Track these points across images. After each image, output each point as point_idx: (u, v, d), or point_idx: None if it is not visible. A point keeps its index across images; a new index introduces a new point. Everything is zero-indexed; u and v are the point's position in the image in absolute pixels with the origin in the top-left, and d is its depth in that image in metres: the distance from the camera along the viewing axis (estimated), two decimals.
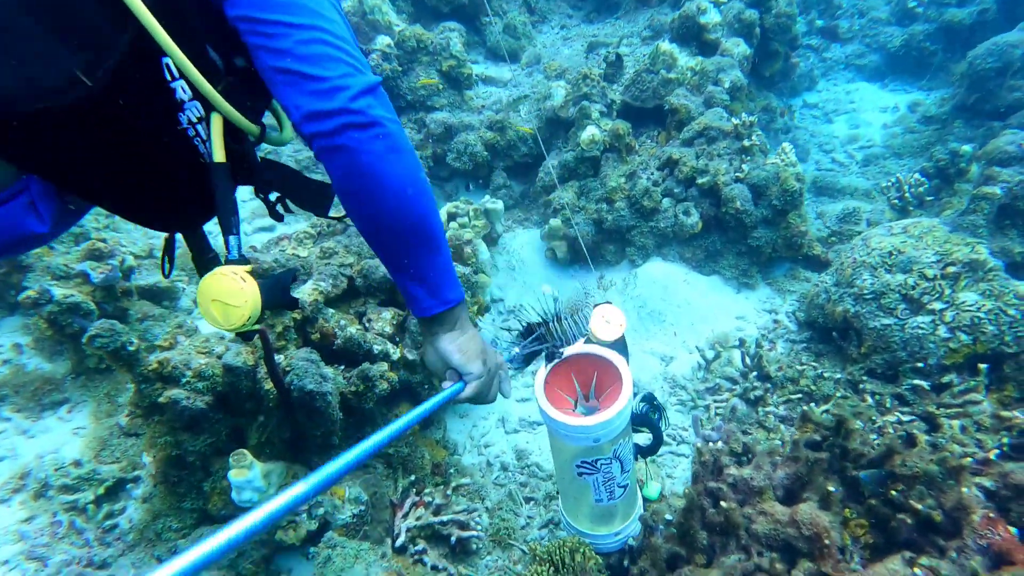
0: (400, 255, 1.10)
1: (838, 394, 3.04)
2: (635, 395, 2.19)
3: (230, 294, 1.02)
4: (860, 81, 6.63)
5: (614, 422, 1.86)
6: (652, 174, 4.36)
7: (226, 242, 1.09)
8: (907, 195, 4.73)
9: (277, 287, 1.13)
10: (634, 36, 5.97)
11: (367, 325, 2.66)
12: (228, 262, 1.07)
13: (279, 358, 2.35)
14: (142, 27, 0.89)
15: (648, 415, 2.06)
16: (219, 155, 1.05)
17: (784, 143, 4.48)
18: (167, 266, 1.42)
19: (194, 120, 1.04)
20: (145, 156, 1.03)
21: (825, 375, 3.20)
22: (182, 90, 1.01)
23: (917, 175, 4.79)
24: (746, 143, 4.29)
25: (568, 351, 1.95)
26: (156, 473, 2.76)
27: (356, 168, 0.98)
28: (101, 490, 3.11)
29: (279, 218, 1.38)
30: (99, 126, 0.93)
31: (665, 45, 4.91)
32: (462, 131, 5.14)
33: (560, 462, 2.12)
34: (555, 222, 4.32)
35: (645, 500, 2.41)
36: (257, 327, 1.10)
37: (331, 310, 2.61)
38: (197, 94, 1.03)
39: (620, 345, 1.97)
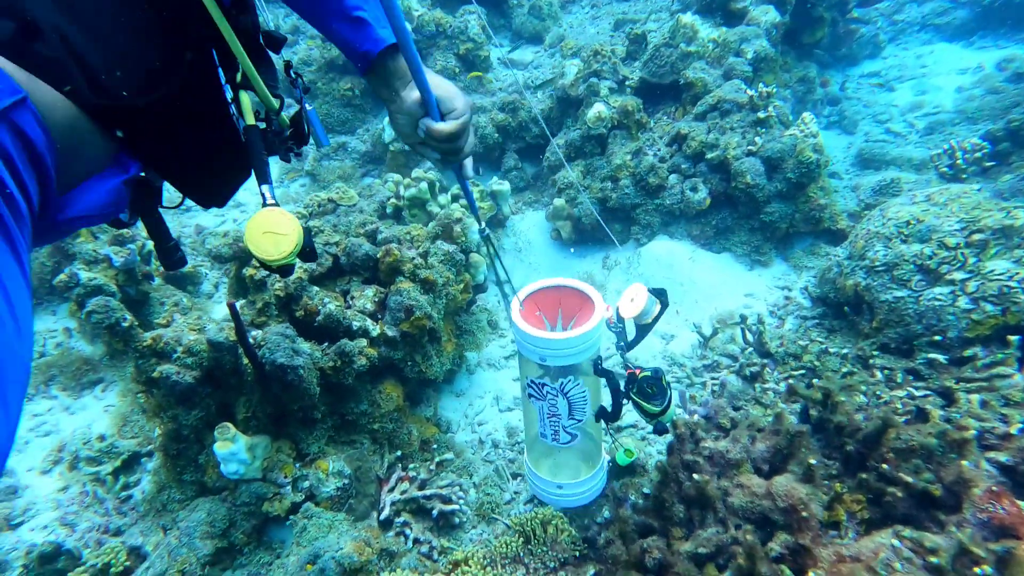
0: None
1: (843, 369, 2.87)
2: (645, 369, 2.14)
3: (279, 224, 1.16)
4: (939, 42, 6.04)
5: (560, 346, 1.88)
6: (659, 150, 4.22)
7: (262, 191, 1.24)
8: (959, 162, 4.39)
9: (307, 232, 1.26)
10: (663, 11, 5.79)
11: (350, 302, 2.70)
12: (265, 206, 1.21)
13: (259, 333, 2.41)
14: (214, 36, 1.06)
15: (611, 374, 2.01)
16: (251, 119, 1.22)
17: (805, 113, 4.25)
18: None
19: (230, 101, 1.22)
20: (207, 137, 1.22)
21: (831, 350, 3.03)
22: (223, 80, 1.19)
23: (976, 139, 4.43)
24: (761, 115, 4.09)
25: (552, 282, 2.10)
26: (160, 446, 2.90)
27: None
28: (118, 463, 3.30)
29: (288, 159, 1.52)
30: (180, 114, 1.10)
31: (686, 17, 4.74)
32: (475, 114, 5.12)
33: (522, 385, 2.18)
34: (559, 202, 4.25)
35: (618, 466, 2.37)
36: (297, 262, 1.24)
37: (315, 288, 2.66)
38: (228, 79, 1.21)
39: (651, 323, 2.04)
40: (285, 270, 1.23)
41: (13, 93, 0.77)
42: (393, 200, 4.00)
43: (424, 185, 4.12)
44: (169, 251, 1.40)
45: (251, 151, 1.25)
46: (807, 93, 5.37)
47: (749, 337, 3.18)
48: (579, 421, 2.09)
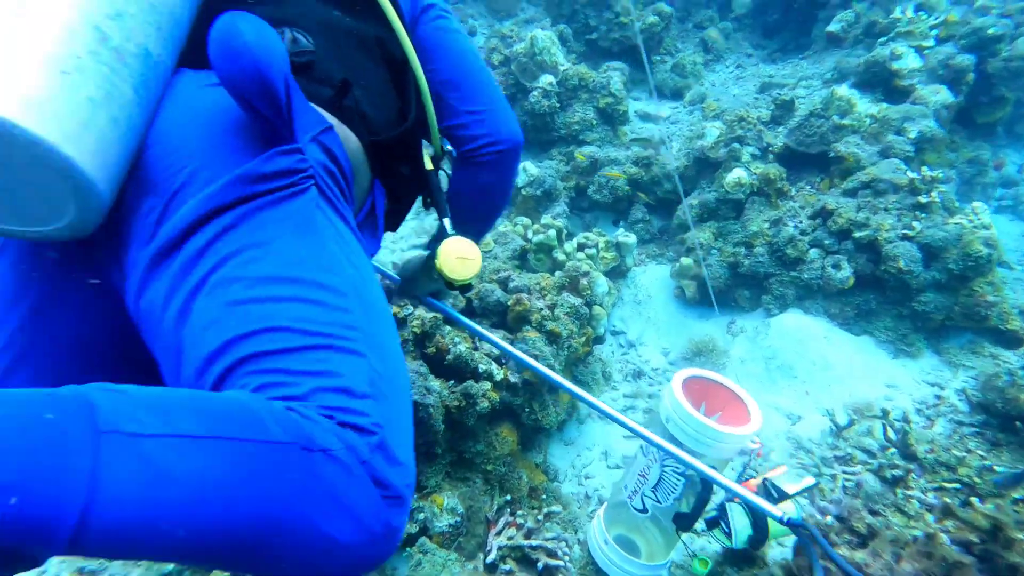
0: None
1: (1014, 495, 2.54)
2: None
3: (467, 251, 1.45)
4: None
5: (685, 419, 1.94)
6: (801, 222, 4.05)
7: (443, 223, 1.52)
8: None
9: None
10: (815, 79, 5.61)
11: (478, 345, 2.82)
12: (449, 235, 1.49)
13: None
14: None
15: (710, 487, 1.96)
16: (430, 165, 1.53)
17: (976, 202, 3.90)
18: None
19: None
20: (414, 168, 1.48)
21: (997, 468, 2.70)
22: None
23: None
24: (922, 199, 3.81)
25: (733, 385, 2.17)
26: None
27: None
28: None
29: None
30: (404, 148, 1.37)
31: (842, 90, 4.58)
32: (607, 165, 5.22)
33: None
34: (686, 260, 4.19)
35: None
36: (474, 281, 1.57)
37: (448, 327, 2.81)
38: None
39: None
40: (466, 288, 1.51)
41: (323, 123, 1.07)
42: (523, 244, 4.14)
43: (552, 232, 4.23)
44: None
45: (433, 192, 1.52)
46: (976, 175, 4.89)
47: (891, 435, 2.92)
48: (658, 502, 2.07)
